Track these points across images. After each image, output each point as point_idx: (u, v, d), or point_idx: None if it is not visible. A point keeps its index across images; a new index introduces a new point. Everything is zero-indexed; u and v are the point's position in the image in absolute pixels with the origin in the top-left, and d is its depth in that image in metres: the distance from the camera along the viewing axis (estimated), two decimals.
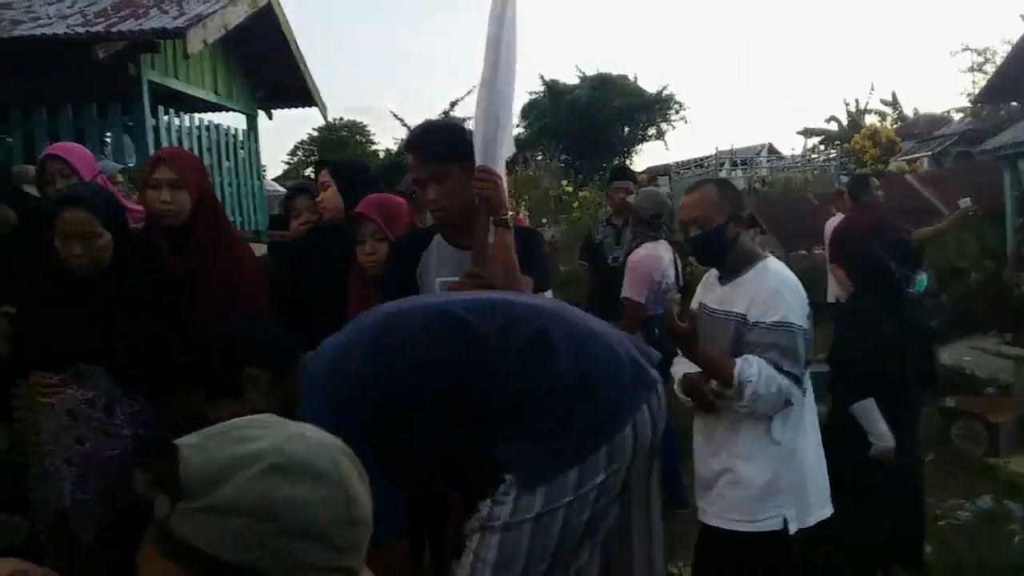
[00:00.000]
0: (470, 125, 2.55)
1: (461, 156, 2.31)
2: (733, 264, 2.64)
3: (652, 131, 26.49)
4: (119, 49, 6.43)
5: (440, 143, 2.35)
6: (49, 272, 2.45)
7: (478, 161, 2.30)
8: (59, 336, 2.43)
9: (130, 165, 7.01)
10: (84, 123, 6.99)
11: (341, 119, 28.82)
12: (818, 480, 2.64)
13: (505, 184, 2.34)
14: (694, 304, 2.80)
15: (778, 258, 2.87)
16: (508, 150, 2.38)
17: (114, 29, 6.47)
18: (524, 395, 1.64)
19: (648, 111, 25.91)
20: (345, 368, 1.78)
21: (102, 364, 2.46)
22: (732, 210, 2.62)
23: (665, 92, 26.07)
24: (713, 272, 2.78)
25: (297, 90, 9.82)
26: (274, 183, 15.49)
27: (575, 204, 14.72)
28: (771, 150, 26.93)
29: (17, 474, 2.60)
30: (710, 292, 2.75)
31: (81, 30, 6.51)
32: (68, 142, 4.11)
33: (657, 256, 4.44)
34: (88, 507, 2.47)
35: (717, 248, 2.63)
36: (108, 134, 7.30)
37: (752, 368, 2.43)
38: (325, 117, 12.31)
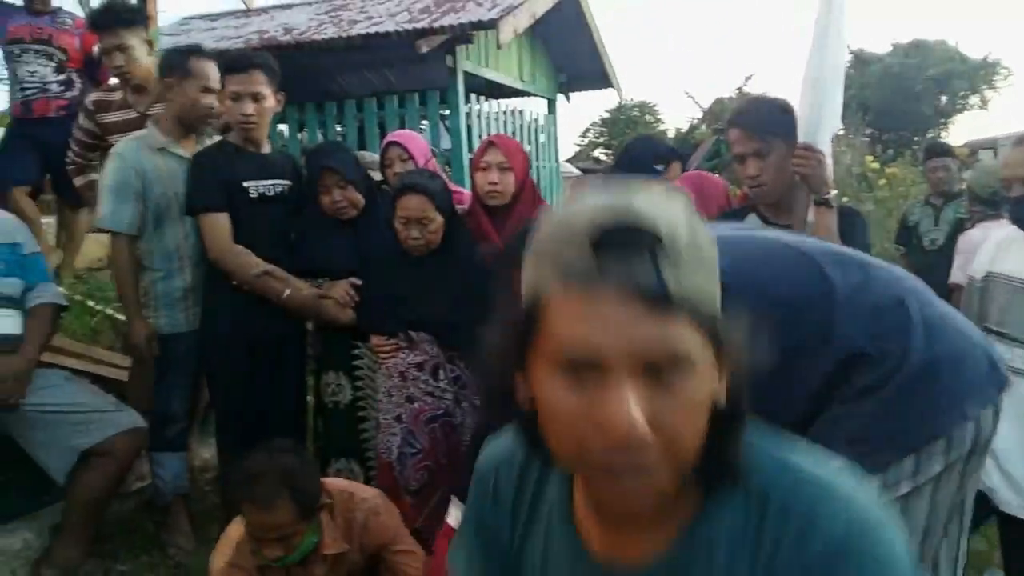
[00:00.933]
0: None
1: (785, 132, 2.23)
2: None
3: (974, 100, 23.81)
4: (439, 42, 6.94)
5: (767, 116, 2.27)
6: (388, 249, 2.73)
7: (800, 138, 2.21)
8: (395, 306, 2.72)
9: (445, 149, 7.59)
10: (407, 112, 7.64)
11: (631, 99, 29.01)
12: None
13: (830, 163, 2.23)
14: (978, 271, 2.47)
15: None
16: (833, 126, 2.26)
17: (436, 24, 6.99)
18: (867, 363, 1.52)
19: (970, 78, 23.32)
20: None
21: (430, 332, 2.71)
22: None
23: (990, 57, 23.35)
24: (1008, 235, 2.43)
25: (595, 73, 10.04)
26: (568, 164, 15.96)
27: (881, 182, 13.62)
28: None
29: (357, 425, 2.95)
30: (1008, 259, 2.40)
31: (408, 26, 7.11)
32: (405, 131, 4.52)
33: None
34: (413, 460, 2.73)
35: None
36: (423, 122, 7.93)
37: None
38: (621, 98, 12.45)
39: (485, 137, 3.37)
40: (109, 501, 2.88)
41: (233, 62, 2.89)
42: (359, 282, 2.81)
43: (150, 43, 3.39)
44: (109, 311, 4.39)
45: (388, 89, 8.04)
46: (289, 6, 9.22)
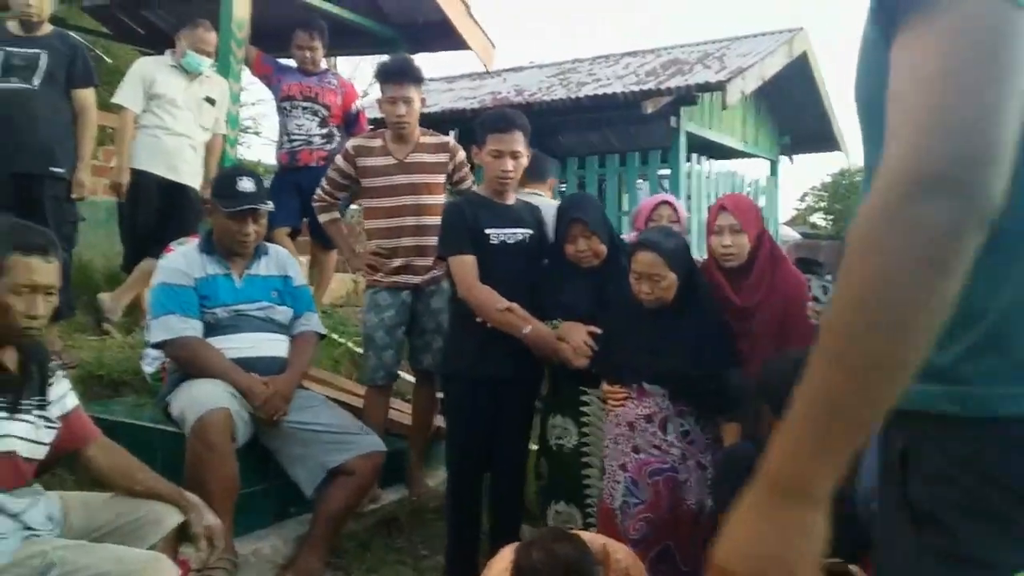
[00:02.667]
0: None
1: None
2: None
3: None
4: (664, 103, 7.06)
5: None
6: (627, 300, 2.81)
7: None
8: (630, 356, 2.77)
9: None
10: (627, 171, 7.79)
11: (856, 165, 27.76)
12: None
13: None
14: None
15: None
16: None
17: (663, 86, 7.13)
18: None
19: None
20: None
21: (663, 385, 2.74)
22: None
23: None
24: None
25: (821, 135, 9.77)
26: (786, 228, 15.50)
27: None
28: None
29: (580, 470, 3.01)
30: None
31: (635, 88, 7.29)
32: (670, 194, 4.82)
33: None
34: (636, 510, 2.75)
35: None
36: (639, 180, 8.03)
37: None
38: (849, 162, 11.99)
39: (717, 199, 3.46)
40: (348, 518, 3.11)
41: (496, 122, 3.11)
42: (597, 330, 2.89)
43: (423, 100, 3.70)
44: (350, 344, 4.76)
45: (609, 148, 8.24)
46: (521, 69, 9.72)
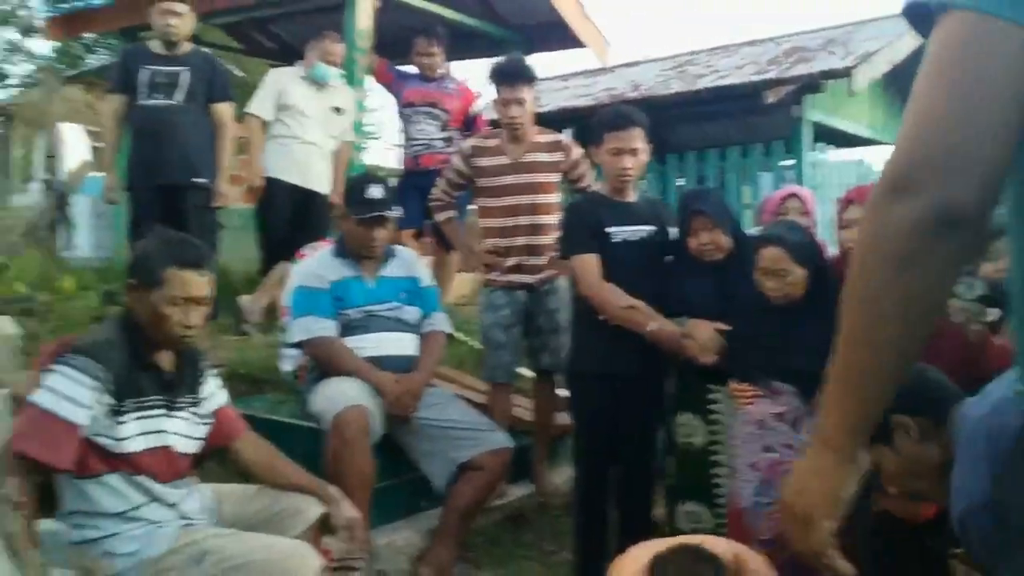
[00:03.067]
0: None
1: None
2: None
3: None
4: (786, 93, 6.86)
5: None
6: (754, 296, 2.76)
7: None
8: (758, 353, 2.72)
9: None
10: (748, 162, 7.61)
11: None
12: None
13: None
14: None
15: None
16: None
17: (785, 75, 6.92)
18: None
19: None
20: (1005, 422, 1.58)
21: (793, 383, 2.67)
22: None
23: None
24: None
25: None
26: None
27: None
28: None
29: (709, 469, 2.97)
30: None
31: (755, 78, 7.11)
32: (799, 186, 4.74)
33: None
34: (765, 510, 2.70)
35: None
36: (764, 172, 7.83)
37: None
38: None
39: (846, 192, 3.34)
40: (477, 513, 3.18)
41: (615, 120, 3.11)
42: (724, 327, 2.85)
43: (537, 99, 3.74)
44: (472, 343, 4.86)
45: (728, 141, 8.07)
46: (636, 63, 9.63)
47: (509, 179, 3.66)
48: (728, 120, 8.29)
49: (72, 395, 2.11)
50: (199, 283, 2.27)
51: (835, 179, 7.69)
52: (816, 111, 7.44)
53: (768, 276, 2.72)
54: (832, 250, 3.42)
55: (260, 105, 4.85)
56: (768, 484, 2.71)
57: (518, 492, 3.66)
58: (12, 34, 18.25)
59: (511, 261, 3.65)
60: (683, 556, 2.23)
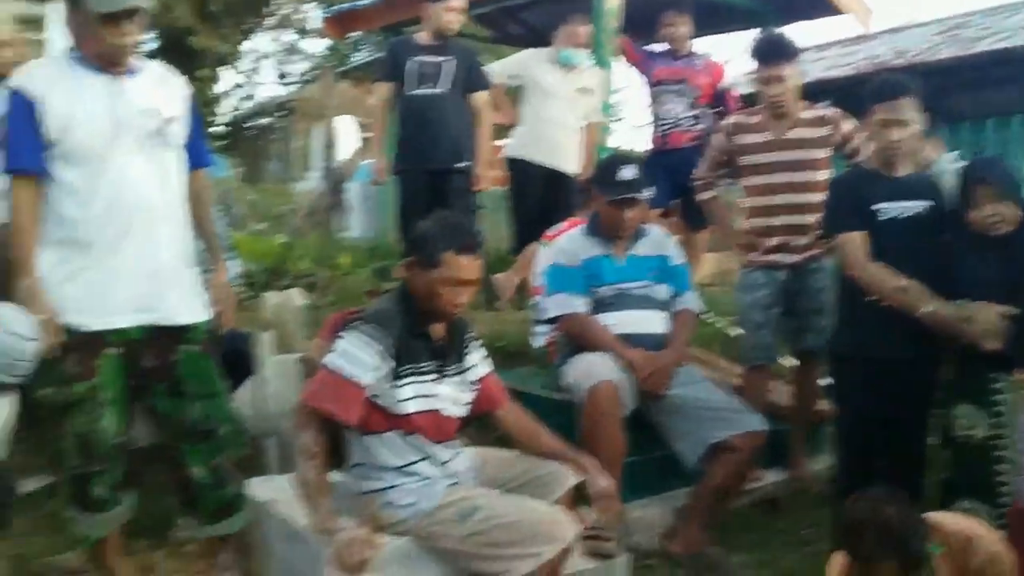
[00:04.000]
0: None
1: None
2: None
3: None
4: None
5: None
6: None
7: None
8: None
9: None
10: None
11: None
12: None
13: None
14: None
15: None
16: None
17: None
18: None
19: None
20: None
21: None
22: None
23: None
24: None
25: None
26: None
27: None
28: None
29: (992, 465, 2.73)
30: None
31: None
32: None
33: None
34: None
35: None
36: None
37: None
38: None
39: None
40: (730, 494, 3.13)
41: (882, 89, 2.93)
42: (1012, 310, 2.60)
43: (800, 73, 3.60)
44: (719, 324, 4.77)
45: (1010, 109, 7.27)
46: (900, 29, 8.92)
47: (773, 156, 3.56)
48: (1012, 86, 7.46)
49: (360, 358, 2.33)
50: (472, 267, 2.43)
51: None
52: None
53: None
54: None
55: (499, 68, 5.15)
56: None
57: (773, 477, 3.56)
58: (290, 36, 20.16)
59: (773, 241, 3.54)
60: (877, 493, 2.17)
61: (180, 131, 2.59)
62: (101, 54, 2.42)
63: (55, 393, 2.43)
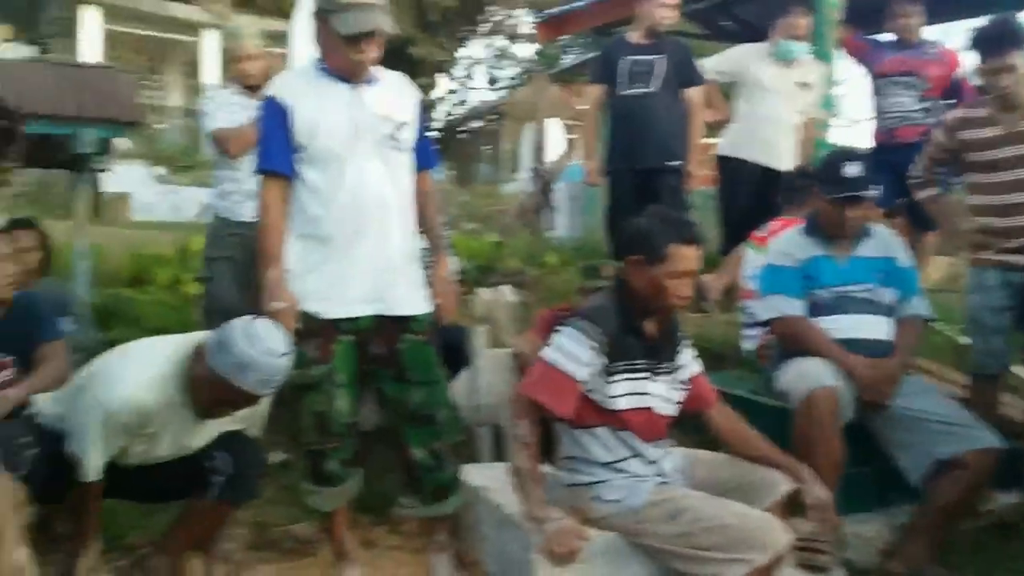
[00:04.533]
0: None
1: None
2: None
3: None
4: None
5: None
6: None
7: None
8: None
9: None
10: None
11: None
12: None
13: None
14: None
15: None
16: None
17: None
18: None
19: None
20: None
21: None
22: None
23: None
24: None
25: None
26: None
27: None
28: None
29: None
30: None
31: None
32: None
33: None
34: None
35: None
36: None
37: None
38: None
39: None
40: (960, 515, 2.91)
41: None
42: None
43: None
44: (948, 332, 4.42)
45: None
46: None
47: (1005, 152, 3.27)
48: None
49: (575, 353, 2.40)
50: (695, 258, 2.46)
51: None
52: None
53: None
54: None
55: (713, 64, 5.02)
56: None
57: (1007, 500, 3.27)
58: (501, 42, 20.80)
59: (1012, 243, 3.25)
60: None
61: (411, 135, 2.76)
62: (344, 68, 2.64)
63: (297, 375, 2.65)
